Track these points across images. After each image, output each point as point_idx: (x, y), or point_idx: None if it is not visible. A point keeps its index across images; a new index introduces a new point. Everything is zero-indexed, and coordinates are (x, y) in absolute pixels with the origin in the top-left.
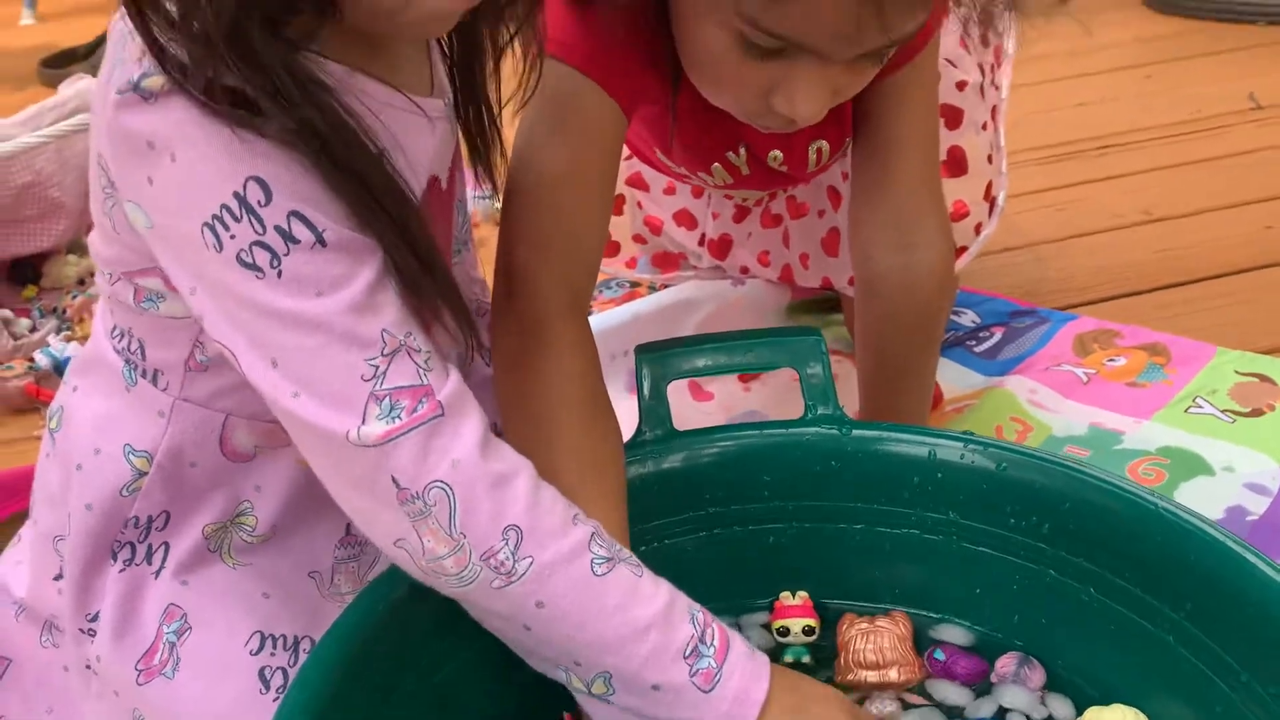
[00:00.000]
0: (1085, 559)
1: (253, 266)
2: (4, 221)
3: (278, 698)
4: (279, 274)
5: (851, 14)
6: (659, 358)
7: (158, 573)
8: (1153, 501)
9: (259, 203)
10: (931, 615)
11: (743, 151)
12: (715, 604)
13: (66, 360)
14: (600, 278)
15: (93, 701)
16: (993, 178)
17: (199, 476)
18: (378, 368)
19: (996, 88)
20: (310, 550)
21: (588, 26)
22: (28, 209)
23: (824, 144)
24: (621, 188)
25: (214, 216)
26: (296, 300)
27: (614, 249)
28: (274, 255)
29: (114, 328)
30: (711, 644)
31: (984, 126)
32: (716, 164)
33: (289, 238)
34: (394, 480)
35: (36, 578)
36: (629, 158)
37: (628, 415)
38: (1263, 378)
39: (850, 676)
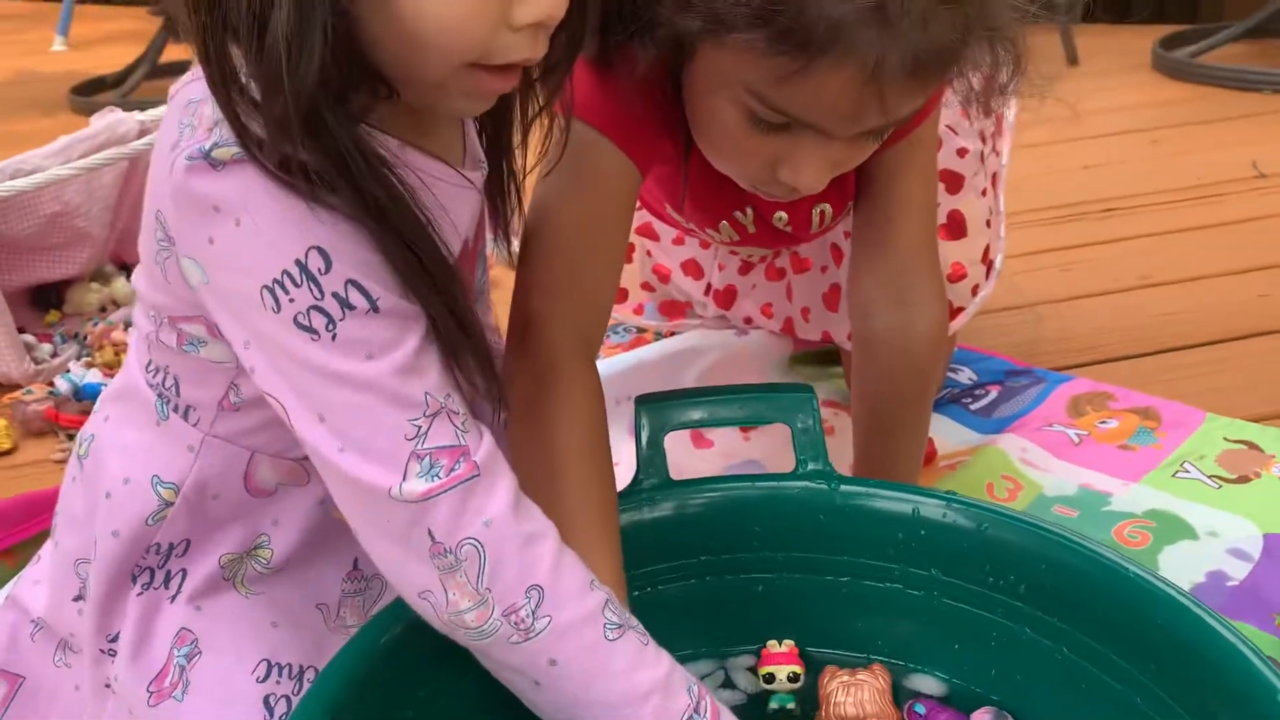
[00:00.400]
0: (1059, 618)
1: (309, 329)
2: (32, 249)
3: None
4: (334, 337)
5: (853, 97)
6: (658, 408)
7: (173, 597)
8: (1123, 565)
9: (319, 270)
10: (911, 666)
11: (749, 211)
12: (704, 648)
13: (87, 386)
14: (616, 322)
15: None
16: (991, 241)
17: (221, 509)
18: (420, 428)
19: (997, 154)
20: (319, 583)
21: (608, 91)
22: (55, 237)
23: (827, 207)
24: (632, 236)
25: (275, 280)
26: (348, 362)
27: (622, 295)
28: (330, 320)
29: (150, 363)
30: (705, 714)
31: (983, 192)
32: (724, 222)
33: (345, 304)
34: (430, 534)
35: (56, 598)
36: (640, 209)
37: (629, 459)
38: (1251, 445)
39: None
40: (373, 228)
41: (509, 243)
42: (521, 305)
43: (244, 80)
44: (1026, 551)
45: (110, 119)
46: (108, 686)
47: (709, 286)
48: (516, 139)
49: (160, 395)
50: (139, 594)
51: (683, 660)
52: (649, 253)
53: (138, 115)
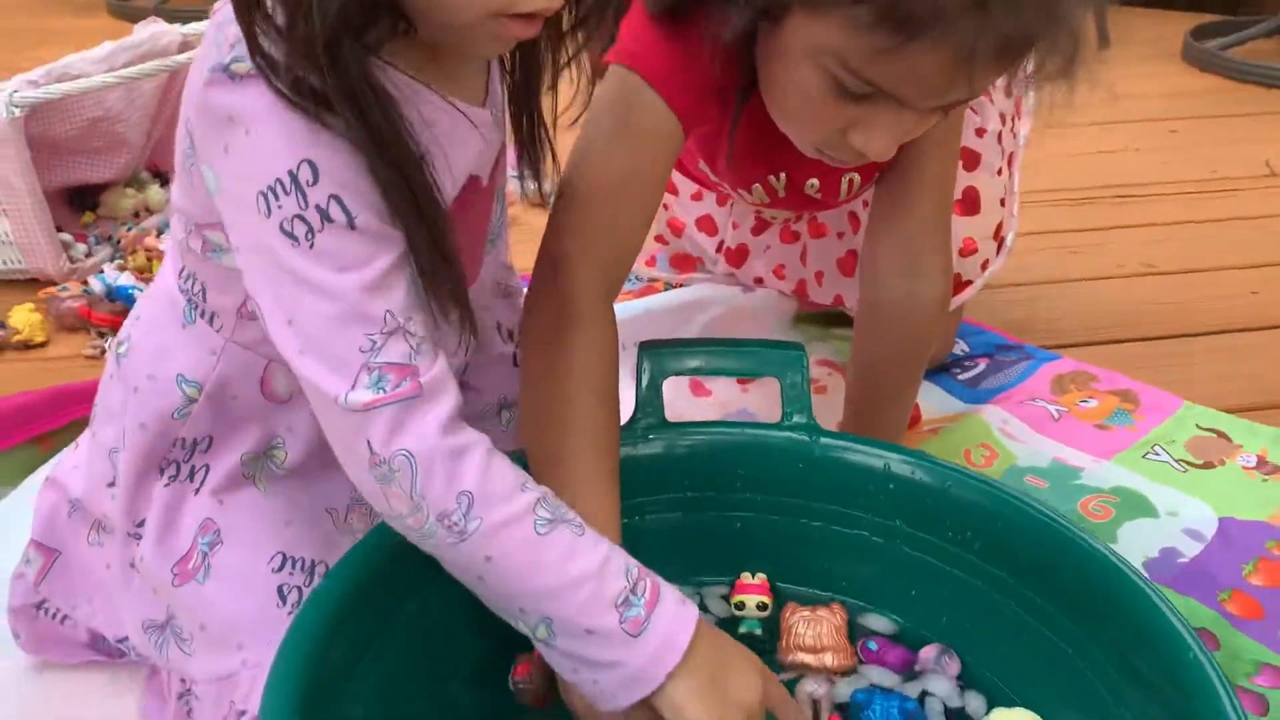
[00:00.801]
0: (1008, 574)
1: (291, 235)
2: (72, 151)
3: (292, 612)
4: (310, 246)
5: (945, 76)
6: (658, 354)
7: (198, 490)
8: (1070, 529)
9: (307, 182)
10: (868, 606)
11: (782, 177)
12: (683, 576)
13: (119, 288)
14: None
15: (132, 595)
16: (1003, 219)
17: (240, 410)
18: (375, 343)
19: (1015, 135)
20: (329, 489)
21: (667, 45)
22: (94, 141)
23: (856, 176)
24: None
25: (269, 187)
26: (319, 271)
27: None
28: (310, 229)
29: (182, 269)
30: (642, 595)
31: (999, 171)
32: (757, 184)
33: (326, 217)
34: (369, 444)
35: (91, 482)
36: None
37: (630, 400)
38: (1221, 434)
39: (790, 658)
40: (367, 153)
41: (539, 183)
42: (551, 245)
43: (270, 4)
44: (984, 511)
45: (154, 29)
46: (133, 566)
47: (721, 244)
48: (545, 85)
49: (189, 300)
50: (165, 485)
51: None
52: (665, 206)
53: (180, 28)
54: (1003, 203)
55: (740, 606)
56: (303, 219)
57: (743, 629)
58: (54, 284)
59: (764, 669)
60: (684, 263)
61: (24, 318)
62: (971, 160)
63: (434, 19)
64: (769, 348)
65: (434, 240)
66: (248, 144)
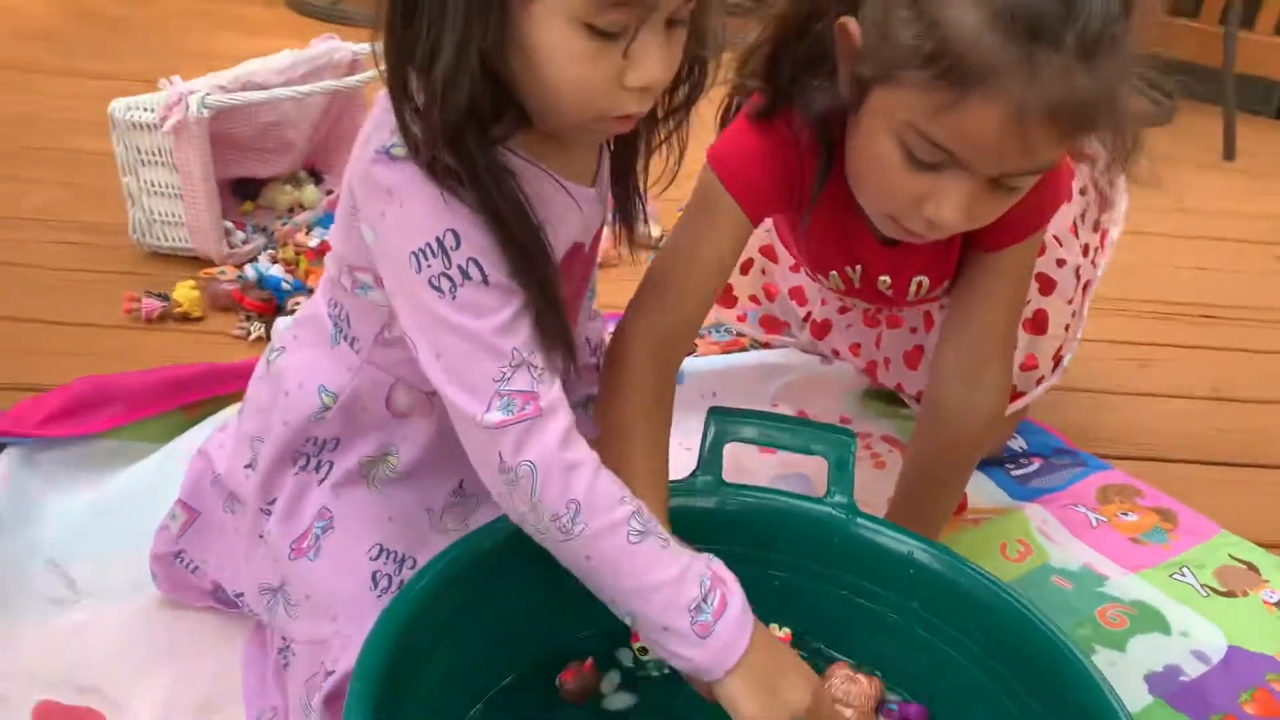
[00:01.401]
0: (1004, 667)
1: (438, 289)
2: (246, 149)
3: (382, 595)
4: (454, 298)
5: (999, 132)
6: (723, 420)
7: (321, 481)
8: (1061, 638)
9: (451, 247)
10: (877, 673)
11: (858, 269)
12: None
13: (269, 278)
14: (711, 321)
15: (255, 561)
16: (1065, 343)
17: (366, 419)
18: (505, 374)
19: (1095, 266)
20: (431, 491)
21: (752, 145)
22: (267, 142)
23: (925, 279)
24: (752, 253)
25: (420, 249)
26: (461, 317)
27: (730, 301)
28: (454, 284)
29: (331, 299)
30: (711, 604)
31: (1070, 300)
32: (834, 272)
33: (465, 275)
34: (500, 455)
35: (233, 462)
36: (768, 229)
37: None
38: (1251, 566)
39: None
40: (493, 224)
41: (631, 243)
42: (623, 317)
43: (416, 98)
44: (989, 609)
45: (328, 45)
46: (261, 537)
47: (809, 314)
48: (640, 164)
49: (335, 325)
50: (295, 473)
51: None
52: (763, 270)
53: (351, 47)
54: (1068, 329)
55: None
56: (447, 276)
57: None
58: (214, 265)
59: (818, 684)
60: (772, 324)
61: (185, 294)
62: (1048, 286)
63: (549, 117)
64: (821, 429)
65: (546, 294)
66: (402, 213)
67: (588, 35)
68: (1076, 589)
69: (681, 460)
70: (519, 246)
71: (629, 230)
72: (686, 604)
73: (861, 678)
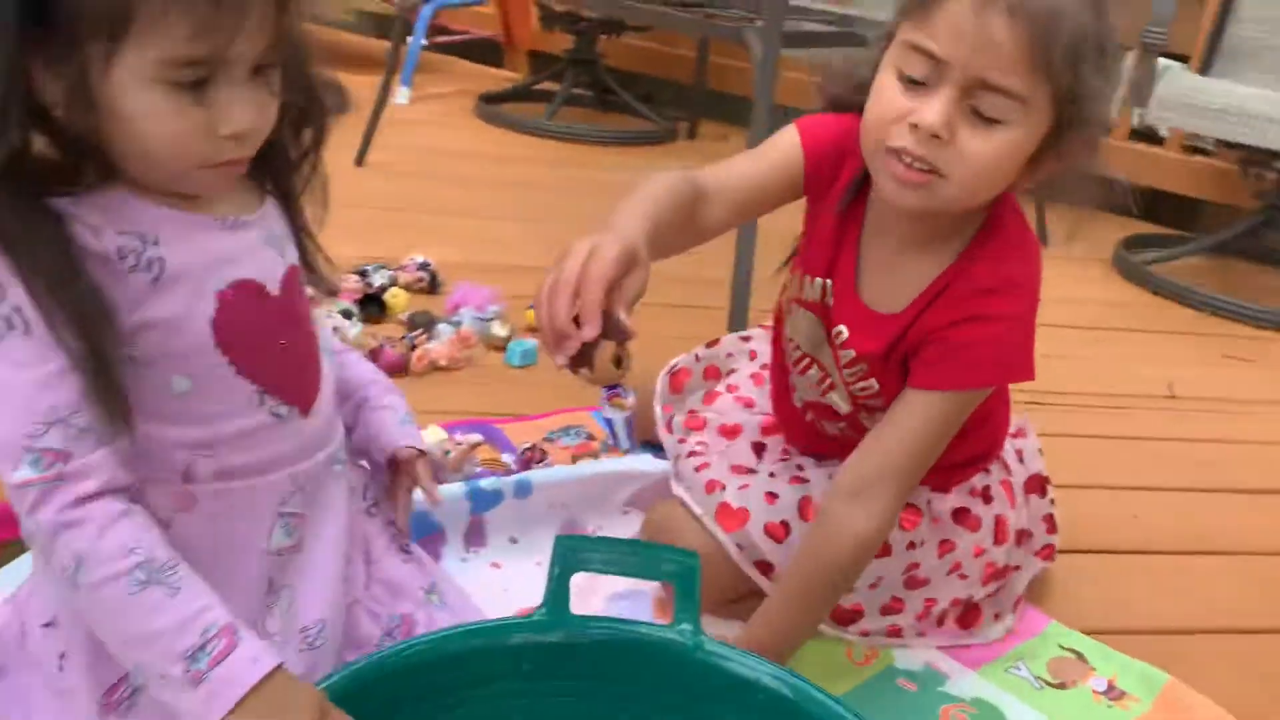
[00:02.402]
0: None
1: None
2: None
3: None
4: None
5: (971, 23)
6: (570, 549)
7: None
8: None
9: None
10: None
11: (830, 286)
12: None
13: None
14: (565, 424)
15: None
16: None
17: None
18: (39, 431)
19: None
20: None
21: (827, 117)
22: None
23: (864, 366)
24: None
25: None
26: (2, 368)
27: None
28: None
29: None
30: (210, 652)
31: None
32: (809, 284)
33: (9, 324)
34: (25, 513)
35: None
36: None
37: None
38: (1078, 655)
39: None
40: (30, 284)
41: (313, 270)
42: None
43: None
44: None
45: None
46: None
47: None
48: (294, 208)
49: None
50: None
51: None
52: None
53: None
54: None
55: None
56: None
57: None
58: None
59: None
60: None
61: None
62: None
63: (151, 169)
64: (667, 552)
65: (98, 354)
66: None
67: (172, 91)
68: (920, 690)
69: (535, 580)
70: (55, 307)
71: (305, 260)
72: (183, 652)
73: None
